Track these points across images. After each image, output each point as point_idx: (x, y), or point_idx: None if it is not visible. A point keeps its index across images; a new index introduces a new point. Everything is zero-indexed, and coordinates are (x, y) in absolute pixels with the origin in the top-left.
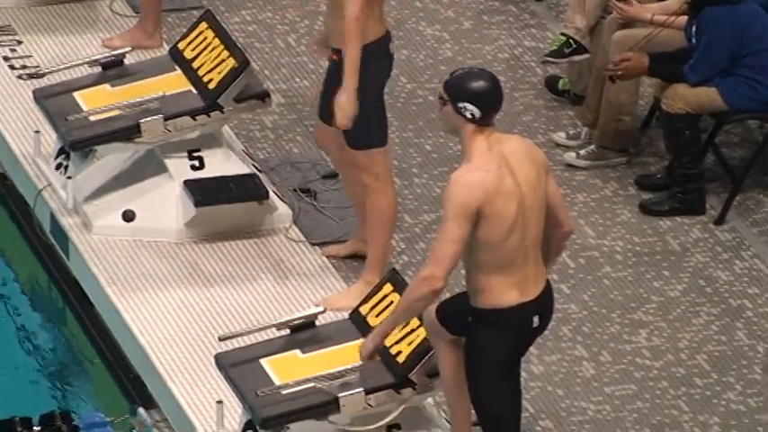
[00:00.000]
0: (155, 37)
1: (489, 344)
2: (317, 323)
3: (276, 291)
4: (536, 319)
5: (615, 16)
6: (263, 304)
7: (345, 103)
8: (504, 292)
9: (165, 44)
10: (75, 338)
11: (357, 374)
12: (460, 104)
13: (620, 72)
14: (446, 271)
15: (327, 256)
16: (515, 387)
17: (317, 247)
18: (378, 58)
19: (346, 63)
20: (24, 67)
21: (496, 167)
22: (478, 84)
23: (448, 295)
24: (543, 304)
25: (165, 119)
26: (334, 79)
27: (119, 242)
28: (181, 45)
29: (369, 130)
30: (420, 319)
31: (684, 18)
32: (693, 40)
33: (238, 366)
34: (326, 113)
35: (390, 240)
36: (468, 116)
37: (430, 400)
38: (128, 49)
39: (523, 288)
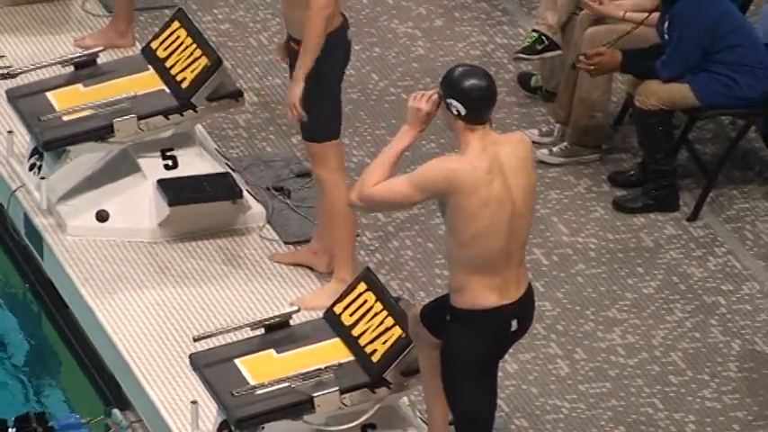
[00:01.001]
0: (127, 36)
1: (464, 344)
2: (292, 323)
3: (250, 290)
4: (514, 323)
5: (587, 13)
6: (237, 304)
7: (295, 96)
8: (482, 294)
9: (137, 43)
10: (50, 339)
11: (332, 374)
12: (448, 100)
13: (592, 68)
14: (367, 200)
15: (276, 263)
16: (491, 388)
17: (291, 246)
18: (337, 46)
19: (304, 54)
20: None
21: (486, 167)
22: (466, 82)
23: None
24: (523, 308)
25: (139, 118)
26: None
27: (93, 242)
28: (153, 44)
29: (324, 121)
30: (397, 319)
31: (657, 15)
32: (666, 36)
33: (213, 366)
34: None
35: (354, 235)
36: (455, 113)
37: (405, 399)
38: (100, 48)
39: (503, 291)
